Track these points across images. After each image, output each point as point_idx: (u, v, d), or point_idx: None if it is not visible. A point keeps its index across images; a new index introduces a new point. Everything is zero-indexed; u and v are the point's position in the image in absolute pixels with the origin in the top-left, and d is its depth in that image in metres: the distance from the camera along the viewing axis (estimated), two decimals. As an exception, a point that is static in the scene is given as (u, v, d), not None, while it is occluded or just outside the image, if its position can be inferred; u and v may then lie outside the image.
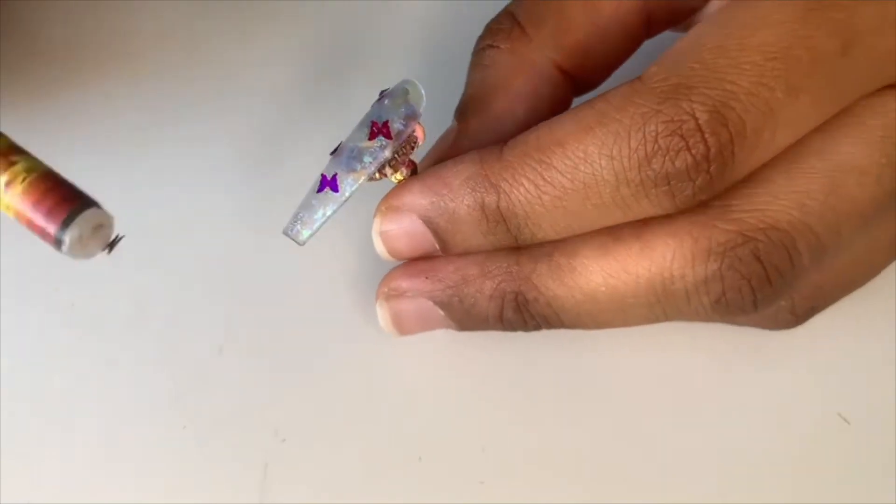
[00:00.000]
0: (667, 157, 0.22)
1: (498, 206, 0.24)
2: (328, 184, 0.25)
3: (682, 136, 0.22)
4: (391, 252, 0.26)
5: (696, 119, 0.22)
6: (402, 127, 0.25)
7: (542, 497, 0.27)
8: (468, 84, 0.27)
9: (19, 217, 0.20)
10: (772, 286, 0.24)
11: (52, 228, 0.20)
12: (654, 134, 0.22)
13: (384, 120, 0.25)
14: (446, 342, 0.28)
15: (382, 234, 0.25)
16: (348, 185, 0.25)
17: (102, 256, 0.21)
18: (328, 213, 0.25)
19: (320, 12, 0.33)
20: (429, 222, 0.25)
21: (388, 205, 0.25)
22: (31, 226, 0.20)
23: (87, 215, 0.20)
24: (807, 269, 0.24)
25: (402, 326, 0.27)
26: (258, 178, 0.30)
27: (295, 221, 0.25)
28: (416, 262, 0.26)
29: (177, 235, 0.29)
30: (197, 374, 0.28)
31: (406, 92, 0.25)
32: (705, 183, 0.23)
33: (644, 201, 0.23)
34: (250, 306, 0.29)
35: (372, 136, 0.25)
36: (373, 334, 0.28)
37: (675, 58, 0.23)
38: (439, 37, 0.32)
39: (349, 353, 0.28)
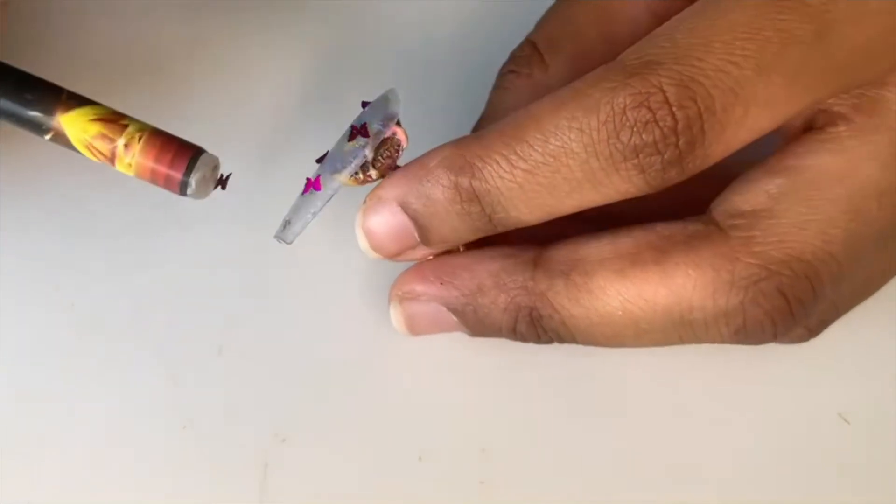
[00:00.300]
0: (634, 130, 0.22)
1: (471, 184, 0.24)
2: (312, 185, 0.25)
3: (649, 109, 0.22)
4: (373, 246, 0.26)
5: (664, 92, 0.22)
6: (380, 127, 0.25)
7: (542, 497, 0.27)
8: (487, 105, 0.28)
9: (141, 171, 0.23)
10: (793, 317, 0.24)
11: (178, 175, 0.23)
12: (622, 106, 0.22)
13: (363, 122, 0.25)
14: (446, 343, 0.28)
15: (364, 228, 0.26)
16: (330, 183, 0.25)
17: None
18: (313, 211, 0.25)
19: (323, 15, 0.33)
20: (407, 207, 0.25)
21: (369, 197, 0.26)
22: (155, 176, 0.23)
23: (205, 159, 0.23)
24: (827, 296, 0.24)
25: (415, 328, 0.27)
26: (258, 178, 0.30)
27: (283, 224, 0.26)
28: (430, 264, 0.26)
29: (177, 235, 0.29)
30: (197, 374, 0.28)
31: (386, 99, 0.26)
32: (674, 157, 0.23)
33: (615, 176, 0.23)
34: (250, 306, 0.29)
35: (352, 138, 0.25)
36: (373, 334, 0.28)
37: (649, 39, 0.23)
38: (439, 40, 0.32)
39: (349, 354, 0.28)
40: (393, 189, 0.25)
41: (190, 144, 0.23)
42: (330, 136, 0.26)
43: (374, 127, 0.25)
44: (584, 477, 0.27)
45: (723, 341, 0.24)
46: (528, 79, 0.28)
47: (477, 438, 0.27)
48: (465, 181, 0.24)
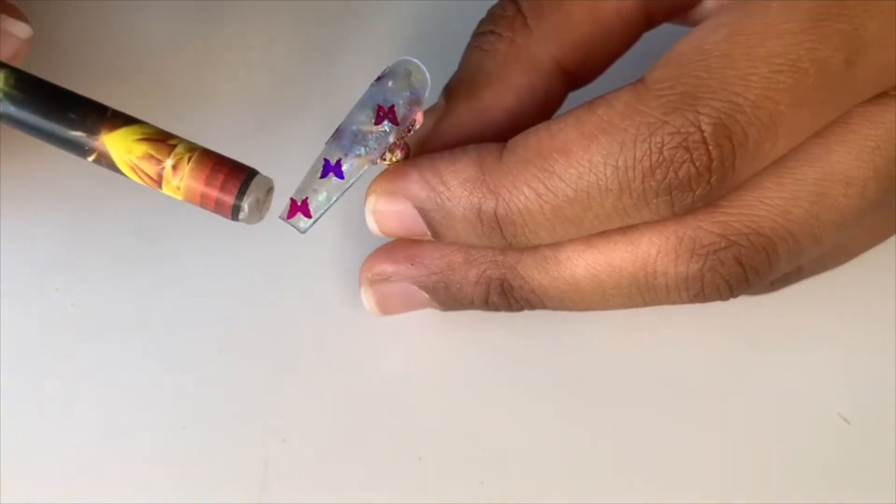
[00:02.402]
0: (671, 169, 0.22)
1: (495, 213, 0.24)
2: (332, 169, 0.24)
3: (687, 149, 0.22)
4: (383, 230, 0.26)
5: (702, 131, 0.22)
6: (406, 112, 0.24)
7: (542, 497, 0.27)
8: (463, 65, 0.26)
9: (191, 195, 0.21)
10: (748, 283, 0.24)
11: (229, 199, 0.21)
12: (659, 145, 0.22)
13: (390, 104, 0.24)
14: (446, 342, 0.28)
15: (376, 213, 0.25)
16: (354, 170, 0.24)
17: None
18: (333, 199, 0.24)
19: (321, 12, 0.33)
20: (424, 213, 0.25)
21: (384, 187, 0.25)
22: (205, 200, 0.21)
23: (258, 181, 0.22)
24: (782, 268, 0.25)
25: (387, 308, 0.27)
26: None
27: (290, 205, 0.24)
28: (398, 244, 0.26)
29: (177, 235, 0.29)
30: (197, 374, 0.28)
31: (409, 73, 0.24)
32: (705, 193, 0.23)
33: (644, 210, 0.23)
34: (250, 306, 0.29)
35: (378, 121, 0.24)
36: (373, 334, 0.28)
37: (681, 63, 0.23)
38: (437, 30, 0.32)
39: (349, 353, 0.28)
40: (409, 187, 0.24)
41: (242, 165, 0.22)
42: (327, 129, 0.26)
43: (401, 112, 0.24)
44: (585, 477, 0.27)
45: (682, 303, 0.25)
46: (510, 43, 0.26)
47: (477, 438, 0.27)
48: (489, 209, 0.24)
